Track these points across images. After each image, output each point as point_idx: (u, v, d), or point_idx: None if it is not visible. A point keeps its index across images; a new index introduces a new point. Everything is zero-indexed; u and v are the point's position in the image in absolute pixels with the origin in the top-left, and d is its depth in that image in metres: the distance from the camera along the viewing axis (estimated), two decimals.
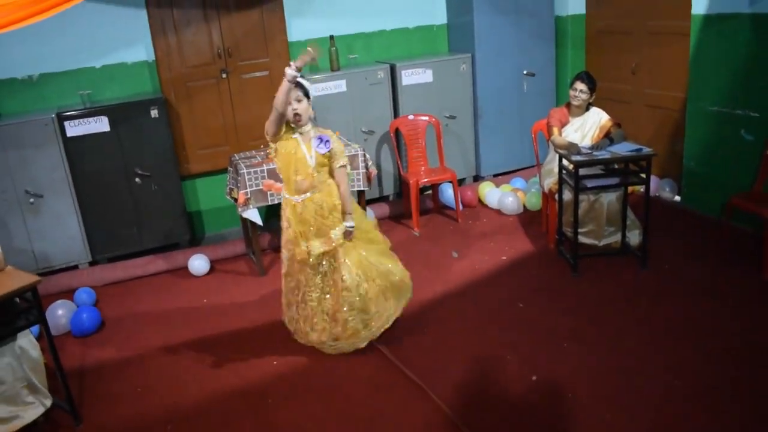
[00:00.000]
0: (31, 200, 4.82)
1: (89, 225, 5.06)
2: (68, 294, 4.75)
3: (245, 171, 4.67)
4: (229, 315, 4.43)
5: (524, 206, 5.72)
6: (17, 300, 3.28)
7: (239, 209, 4.71)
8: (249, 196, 4.69)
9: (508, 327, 3.98)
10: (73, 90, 5.09)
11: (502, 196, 5.72)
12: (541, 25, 6.19)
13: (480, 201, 6.01)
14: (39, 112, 4.93)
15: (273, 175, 4.70)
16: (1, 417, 3.17)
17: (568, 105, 4.81)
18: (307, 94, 3.64)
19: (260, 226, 4.89)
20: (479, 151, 6.31)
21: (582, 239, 4.74)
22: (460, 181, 6.34)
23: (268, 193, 4.74)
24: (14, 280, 3.23)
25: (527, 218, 5.58)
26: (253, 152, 5.17)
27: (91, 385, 3.76)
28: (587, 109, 4.78)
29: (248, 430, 3.25)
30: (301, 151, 3.64)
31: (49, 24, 4.82)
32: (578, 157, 4.33)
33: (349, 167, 3.82)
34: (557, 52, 6.37)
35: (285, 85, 3.39)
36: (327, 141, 3.68)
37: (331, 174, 3.76)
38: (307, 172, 3.64)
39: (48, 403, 3.37)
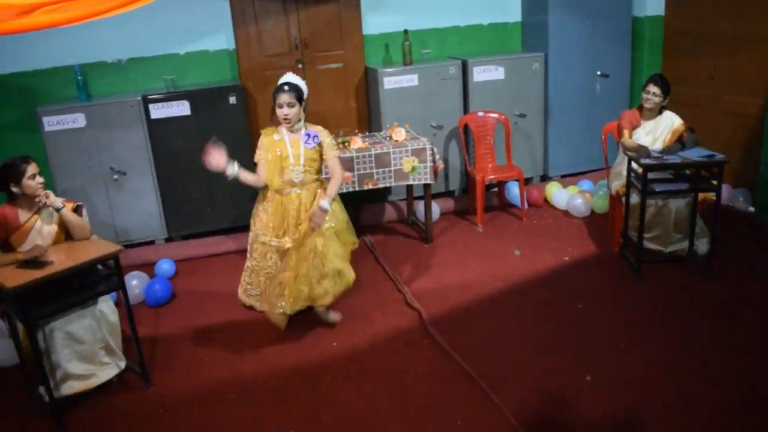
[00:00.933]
0: (115, 177, 5.13)
1: (167, 203, 5.34)
2: (144, 267, 5.03)
3: None
4: None
5: (592, 209, 5.66)
6: (100, 267, 3.53)
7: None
8: None
9: (565, 326, 3.98)
10: (158, 74, 5.38)
11: (571, 198, 5.67)
12: (617, 26, 6.09)
13: (546, 201, 5.99)
14: (126, 94, 5.23)
15: (342, 163, 4.78)
16: (79, 374, 3.42)
17: (641, 108, 4.73)
18: (300, 99, 3.79)
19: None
20: (548, 150, 6.27)
21: (647, 244, 4.66)
22: (527, 180, 6.31)
23: None
24: (99, 248, 3.48)
25: (593, 221, 5.52)
26: None
27: (161, 352, 3.99)
28: (660, 113, 4.69)
29: (303, 404, 3.40)
30: (287, 149, 3.83)
31: (138, 12, 5.09)
32: (647, 161, 4.26)
33: (338, 156, 4.02)
34: (633, 54, 6.24)
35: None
36: (315, 136, 3.85)
37: (319, 171, 3.98)
38: (293, 169, 3.82)
39: (122, 365, 3.62)
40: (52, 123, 4.87)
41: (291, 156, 3.84)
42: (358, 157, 4.87)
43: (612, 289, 4.41)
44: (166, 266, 4.95)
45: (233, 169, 3.78)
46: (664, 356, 3.59)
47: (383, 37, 5.94)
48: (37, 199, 3.44)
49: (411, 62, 5.78)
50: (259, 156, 3.93)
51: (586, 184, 5.98)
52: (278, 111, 3.78)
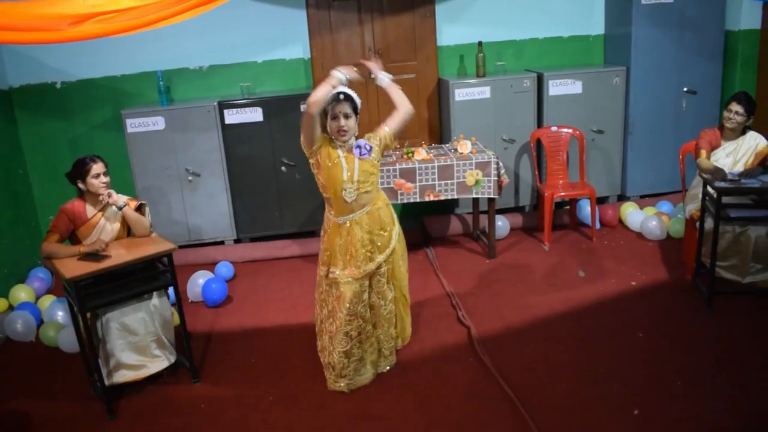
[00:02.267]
0: (190, 178, 5.38)
1: (237, 205, 5.54)
2: (211, 266, 5.24)
3: None
4: None
5: (668, 232, 5.35)
6: (158, 264, 3.70)
7: None
8: None
9: (620, 355, 3.77)
10: (236, 81, 5.60)
11: (645, 219, 5.38)
12: (707, 40, 5.72)
13: (621, 222, 5.72)
14: (204, 99, 5.48)
15: (405, 174, 4.83)
16: (131, 364, 3.60)
17: (722, 127, 4.43)
18: (356, 110, 3.48)
19: None
20: (626, 169, 5.98)
21: (723, 274, 4.33)
22: (603, 200, 6.06)
23: (399, 191, 4.88)
24: (156, 245, 3.65)
25: (669, 245, 5.20)
26: (390, 151, 5.34)
27: (213, 350, 4.14)
28: (743, 133, 4.38)
29: (339, 413, 3.41)
30: (342, 165, 3.41)
31: (220, 21, 5.40)
32: (722, 184, 3.98)
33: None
34: (724, 70, 5.85)
35: (325, 87, 3.31)
36: (367, 146, 3.45)
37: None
38: (352, 187, 3.42)
39: (173, 359, 3.77)
40: (134, 125, 5.18)
41: (346, 171, 3.42)
42: (420, 168, 4.85)
43: (678, 319, 4.13)
44: (224, 269, 5.12)
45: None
46: (725, 399, 3.31)
47: (458, 48, 5.88)
48: (100, 198, 3.66)
49: (484, 74, 5.70)
50: (321, 137, 3.51)
51: (665, 206, 5.65)
52: (332, 123, 3.41)
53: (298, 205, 5.59)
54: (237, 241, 5.67)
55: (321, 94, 3.30)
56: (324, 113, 3.45)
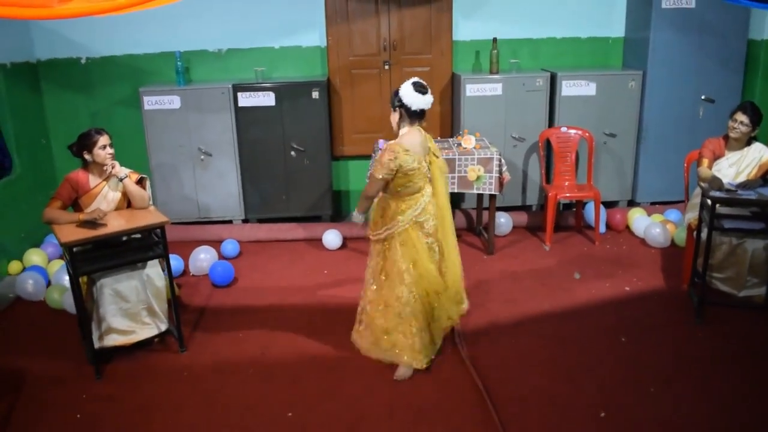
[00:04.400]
0: (202, 157, 5.54)
1: (246, 187, 5.69)
2: (217, 243, 5.40)
3: None
4: (342, 288, 4.73)
5: (672, 240, 5.29)
6: (153, 236, 3.86)
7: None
8: None
9: (598, 357, 3.78)
10: (252, 66, 5.72)
11: (650, 226, 5.33)
12: (728, 48, 5.60)
13: (628, 227, 5.67)
14: (220, 81, 5.62)
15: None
16: (121, 329, 3.78)
17: (726, 137, 4.37)
18: (393, 104, 3.51)
19: None
20: (638, 174, 5.91)
21: (719, 286, 4.30)
22: (613, 204, 6.01)
23: None
24: (150, 218, 3.80)
25: (672, 254, 5.15)
26: None
27: (205, 323, 4.29)
28: (748, 144, 4.31)
29: (311, 390, 3.52)
30: None
31: (240, 6, 5.57)
32: (718, 194, 3.94)
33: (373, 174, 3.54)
34: (745, 80, 5.73)
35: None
36: (380, 149, 3.56)
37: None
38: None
39: (163, 327, 3.93)
40: (151, 102, 5.37)
41: None
42: None
43: (666, 327, 4.11)
44: (230, 246, 5.28)
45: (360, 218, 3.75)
46: (697, 408, 3.30)
47: (474, 44, 5.91)
48: (105, 168, 3.83)
49: (497, 71, 5.71)
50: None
51: (673, 214, 5.58)
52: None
53: (305, 191, 5.71)
54: (245, 221, 5.82)
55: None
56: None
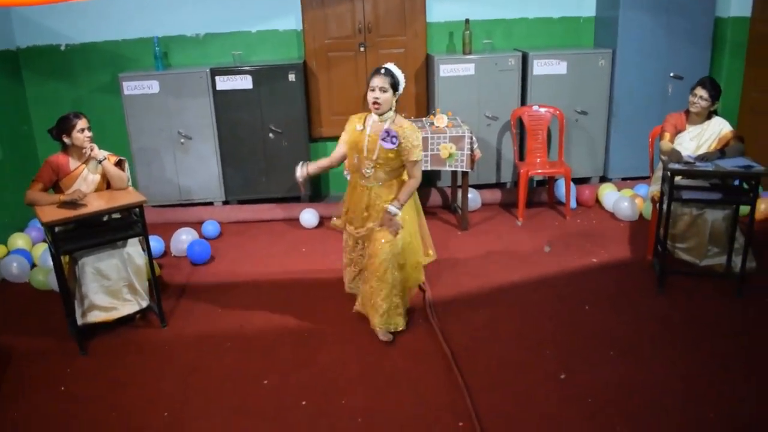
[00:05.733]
0: (182, 141, 5.66)
1: (226, 169, 5.81)
2: (198, 225, 5.52)
3: None
4: (318, 265, 4.88)
5: (641, 214, 5.46)
6: (132, 215, 3.99)
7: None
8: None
9: (562, 325, 3.95)
10: (230, 50, 5.84)
11: (618, 200, 5.50)
12: (696, 26, 5.74)
13: (598, 202, 5.84)
14: (198, 66, 5.73)
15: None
16: (103, 306, 3.92)
17: (688, 112, 4.52)
18: (395, 86, 3.60)
19: None
20: (609, 151, 6.07)
21: (682, 255, 4.46)
22: (585, 180, 6.17)
23: None
24: (129, 197, 3.93)
25: (640, 226, 5.32)
26: None
27: (185, 300, 4.43)
28: (709, 118, 4.46)
29: (286, 360, 3.67)
30: (364, 141, 3.67)
31: None
32: (676, 166, 4.10)
33: (420, 160, 3.73)
34: (713, 57, 5.88)
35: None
36: (394, 137, 3.59)
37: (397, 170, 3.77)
38: (369, 163, 3.69)
39: (144, 304, 4.07)
40: (130, 87, 5.47)
41: (365, 149, 3.68)
42: None
43: (628, 296, 4.28)
44: (210, 227, 5.41)
45: (301, 171, 3.87)
46: (653, 369, 3.48)
47: (448, 25, 6.02)
48: (84, 151, 3.94)
49: (470, 52, 5.83)
50: (342, 139, 3.85)
51: (642, 189, 5.75)
52: (369, 94, 3.59)
53: (283, 172, 5.83)
54: (226, 202, 5.94)
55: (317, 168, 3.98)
56: (367, 84, 3.64)
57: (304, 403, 3.30)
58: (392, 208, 3.65)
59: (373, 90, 3.57)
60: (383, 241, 3.69)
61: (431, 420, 3.15)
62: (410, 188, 3.74)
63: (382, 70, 3.58)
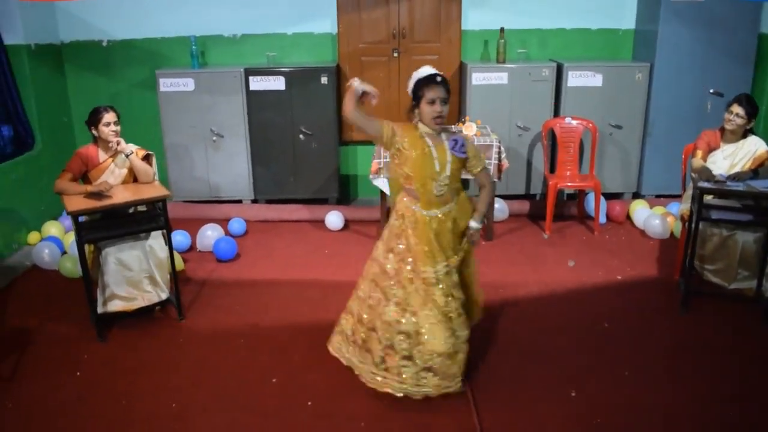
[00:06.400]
0: (214, 138, 5.76)
1: (255, 168, 5.88)
2: (226, 222, 5.60)
3: None
4: (338, 267, 4.90)
5: (672, 233, 5.32)
6: (156, 209, 4.07)
7: (370, 176, 5.12)
8: (381, 165, 5.07)
9: (578, 341, 3.87)
10: (265, 51, 5.93)
11: (649, 217, 5.37)
12: (738, 42, 5.57)
13: (629, 219, 5.71)
14: (233, 65, 5.83)
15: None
16: (123, 295, 4.00)
17: (723, 129, 4.39)
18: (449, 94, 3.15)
19: (389, 195, 5.24)
20: (643, 167, 5.94)
21: (710, 278, 4.34)
22: (617, 196, 6.05)
23: None
24: (152, 191, 4.01)
25: (670, 245, 5.17)
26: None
27: (205, 294, 4.50)
28: (744, 136, 4.32)
29: (296, 361, 3.69)
30: (432, 155, 3.12)
31: None
32: (705, 184, 3.98)
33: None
34: (756, 74, 5.69)
35: (349, 96, 3.15)
36: (462, 145, 3.18)
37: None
38: (442, 181, 3.14)
39: (163, 296, 4.14)
40: (166, 84, 5.59)
41: (437, 164, 3.12)
42: None
43: (650, 316, 4.16)
44: (236, 225, 5.48)
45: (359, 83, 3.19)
46: (666, 392, 3.38)
47: (483, 33, 5.98)
48: (110, 144, 4.04)
49: (504, 60, 5.78)
50: (389, 123, 3.16)
51: (675, 206, 5.59)
52: (428, 108, 3.06)
53: (312, 174, 5.88)
54: (254, 201, 6.02)
55: (348, 101, 3.14)
56: (415, 97, 3.15)
57: (309, 403, 3.31)
58: (474, 223, 3.23)
59: (433, 103, 3.05)
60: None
61: (435, 431, 3.13)
62: (488, 197, 3.37)
63: (439, 78, 3.10)
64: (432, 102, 3.06)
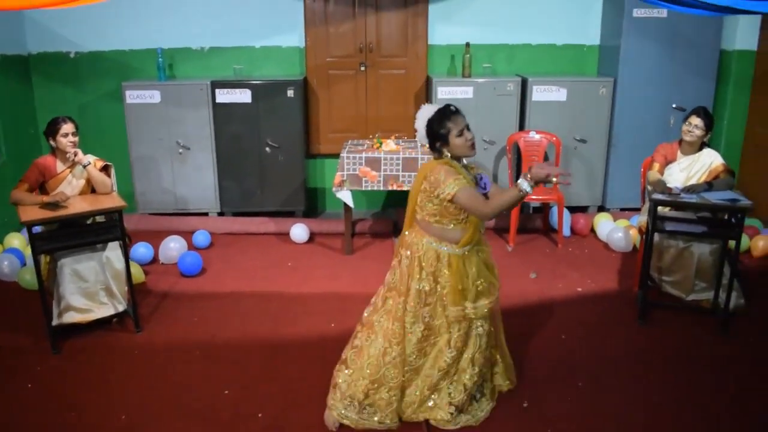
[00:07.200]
0: (180, 150, 5.75)
1: (222, 180, 5.89)
2: (190, 234, 5.57)
3: (345, 155, 5.08)
4: (301, 280, 4.89)
5: (635, 245, 5.37)
6: (115, 219, 4.05)
7: (333, 189, 5.13)
8: (345, 178, 5.09)
9: (533, 351, 3.88)
10: (233, 64, 5.95)
11: (612, 230, 5.42)
12: (701, 58, 5.68)
13: (593, 231, 5.76)
14: (200, 78, 5.84)
15: (370, 162, 5.04)
16: (79, 307, 3.97)
17: (681, 142, 4.45)
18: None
19: (351, 207, 5.25)
20: (608, 180, 6.01)
21: (669, 289, 4.39)
22: (583, 209, 6.10)
23: (363, 179, 5.09)
24: (110, 202, 4.00)
25: (632, 258, 5.22)
26: (365, 141, 5.55)
27: (164, 306, 4.47)
28: (701, 149, 4.39)
29: (251, 373, 3.66)
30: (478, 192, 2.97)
31: (223, 6, 5.78)
32: (659, 196, 4.03)
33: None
34: (717, 90, 5.79)
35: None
36: (487, 182, 3.09)
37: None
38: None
39: (120, 308, 4.12)
40: (132, 96, 5.60)
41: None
42: (386, 159, 5.05)
43: (607, 327, 4.19)
44: (201, 237, 5.46)
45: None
46: (619, 402, 3.40)
47: (450, 48, 6.05)
48: (68, 155, 4.03)
49: (470, 75, 5.84)
50: (464, 181, 2.93)
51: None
52: (460, 140, 2.96)
53: (278, 187, 5.89)
54: (221, 214, 6.01)
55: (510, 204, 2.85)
56: (438, 136, 3.01)
57: (260, 415, 3.29)
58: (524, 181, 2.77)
59: (462, 133, 2.97)
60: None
61: None
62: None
63: (453, 108, 3.04)
64: (461, 132, 2.98)
